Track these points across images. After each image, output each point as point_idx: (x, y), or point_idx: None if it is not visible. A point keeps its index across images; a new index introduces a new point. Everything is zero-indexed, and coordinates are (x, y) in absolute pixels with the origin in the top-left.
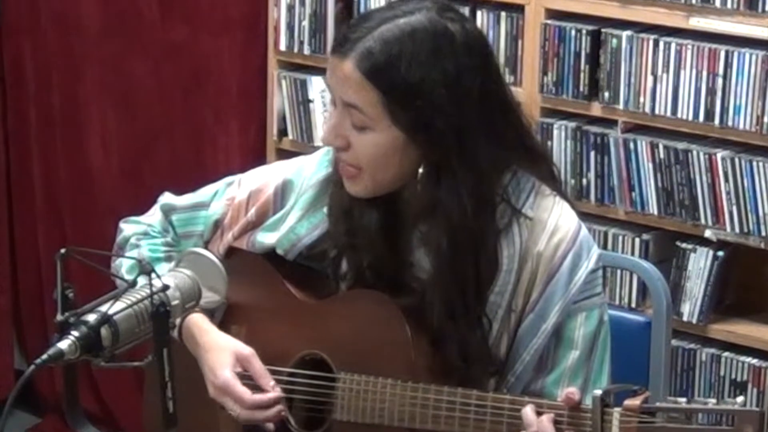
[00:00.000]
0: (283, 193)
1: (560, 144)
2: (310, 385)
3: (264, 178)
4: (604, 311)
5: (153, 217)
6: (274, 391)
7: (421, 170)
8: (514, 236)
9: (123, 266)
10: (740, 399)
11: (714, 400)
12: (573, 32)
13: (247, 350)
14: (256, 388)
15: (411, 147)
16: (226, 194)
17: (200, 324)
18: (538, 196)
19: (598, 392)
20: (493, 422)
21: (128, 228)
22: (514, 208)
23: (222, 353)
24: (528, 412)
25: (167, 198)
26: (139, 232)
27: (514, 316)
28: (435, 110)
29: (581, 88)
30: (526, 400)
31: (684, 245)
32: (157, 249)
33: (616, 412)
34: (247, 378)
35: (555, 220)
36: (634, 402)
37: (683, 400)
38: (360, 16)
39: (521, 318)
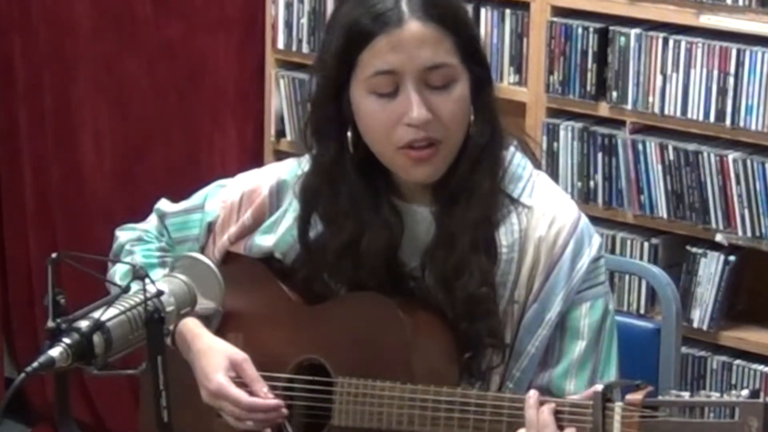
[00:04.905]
0: (278, 194)
1: (567, 145)
2: (309, 390)
3: (257, 179)
4: (609, 300)
5: (149, 222)
6: (266, 397)
7: (473, 118)
8: (513, 225)
9: (117, 273)
10: (745, 392)
11: (718, 393)
12: (580, 30)
13: (240, 355)
14: (251, 393)
15: (469, 91)
16: (219, 196)
17: (193, 328)
18: (536, 185)
19: (600, 387)
20: (493, 422)
21: (123, 235)
22: (511, 198)
23: (215, 357)
24: (532, 393)
25: (162, 204)
26: (134, 238)
27: (517, 308)
28: (477, 36)
29: (588, 88)
30: (525, 397)
31: (694, 249)
32: (151, 254)
33: (618, 406)
34: (240, 384)
35: (554, 208)
36: (636, 396)
37: (686, 393)
38: None
39: (524, 309)
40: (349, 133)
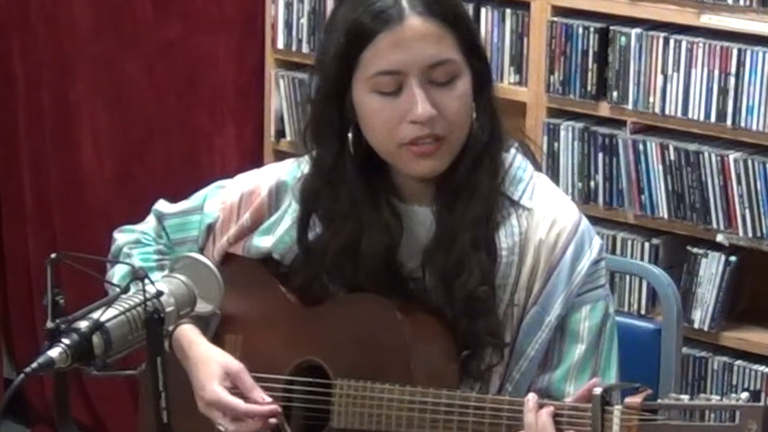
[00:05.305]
0: (277, 194)
1: (567, 145)
2: (308, 392)
3: (256, 180)
4: (609, 303)
5: (147, 224)
6: (264, 403)
7: (474, 115)
8: (513, 228)
9: (116, 274)
10: (744, 395)
11: (717, 397)
12: (580, 30)
13: (236, 365)
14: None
15: (471, 85)
16: (219, 197)
17: (189, 336)
18: (536, 187)
19: (599, 390)
20: (492, 424)
21: (121, 237)
22: (512, 200)
23: (210, 366)
24: (531, 396)
25: (160, 205)
26: (131, 241)
27: (517, 311)
28: (476, 31)
29: (589, 88)
30: (524, 400)
31: (695, 250)
32: (149, 258)
33: (617, 410)
34: (236, 394)
35: (555, 211)
36: (635, 400)
37: (686, 397)
38: None
39: (524, 312)
40: (350, 135)
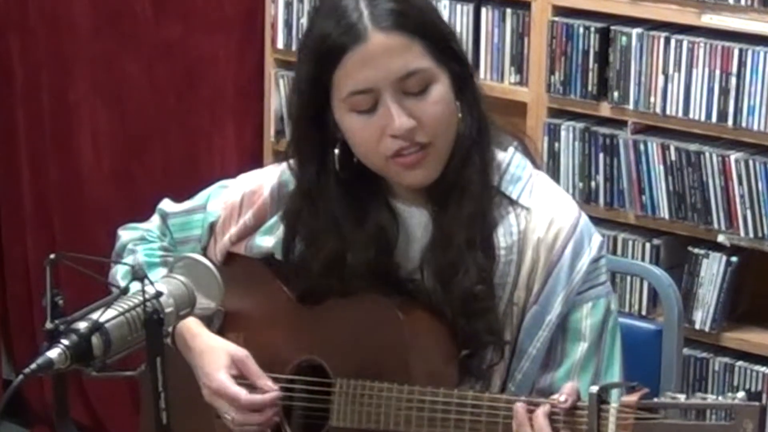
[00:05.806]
0: (279, 194)
1: (568, 145)
2: (308, 391)
3: (258, 179)
4: (611, 300)
5: (151, 222)
6: (272, 390)
7: (460, 115)
8: (512, 227)
9: (118, 273)
10: (740, 394)
11: (714, 396)
12: (581, 30)
13: (241, 351)
14: (254, 391)
15: (450, 86)
16: (221, 197)
17: (192, 328)
18: (535, 186)
19: (595, 389)
20: (489, 423)
21: (125, 234)
22: (510, 199)
23: (216, 355)
24: (519, 408)
25: (165, 204)
26: (136, 238)
27: (516, 310)
28: (449, 34)
29: (590, 88)
30: (521, 399)
31: (696, 250)
32: (154, 254)
33: (613, 408)
34: (242, 385)
35: (553, 209)
36: (631, 398)
37: (682, 396)
38: (330, 8)
39: (524, 311)
40: (336, 150)
